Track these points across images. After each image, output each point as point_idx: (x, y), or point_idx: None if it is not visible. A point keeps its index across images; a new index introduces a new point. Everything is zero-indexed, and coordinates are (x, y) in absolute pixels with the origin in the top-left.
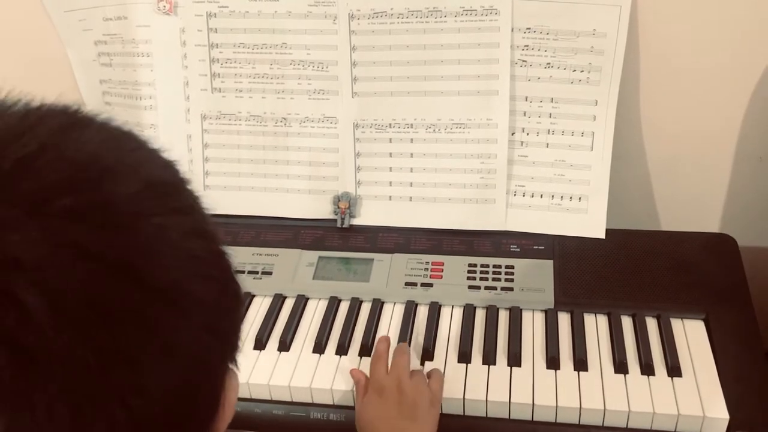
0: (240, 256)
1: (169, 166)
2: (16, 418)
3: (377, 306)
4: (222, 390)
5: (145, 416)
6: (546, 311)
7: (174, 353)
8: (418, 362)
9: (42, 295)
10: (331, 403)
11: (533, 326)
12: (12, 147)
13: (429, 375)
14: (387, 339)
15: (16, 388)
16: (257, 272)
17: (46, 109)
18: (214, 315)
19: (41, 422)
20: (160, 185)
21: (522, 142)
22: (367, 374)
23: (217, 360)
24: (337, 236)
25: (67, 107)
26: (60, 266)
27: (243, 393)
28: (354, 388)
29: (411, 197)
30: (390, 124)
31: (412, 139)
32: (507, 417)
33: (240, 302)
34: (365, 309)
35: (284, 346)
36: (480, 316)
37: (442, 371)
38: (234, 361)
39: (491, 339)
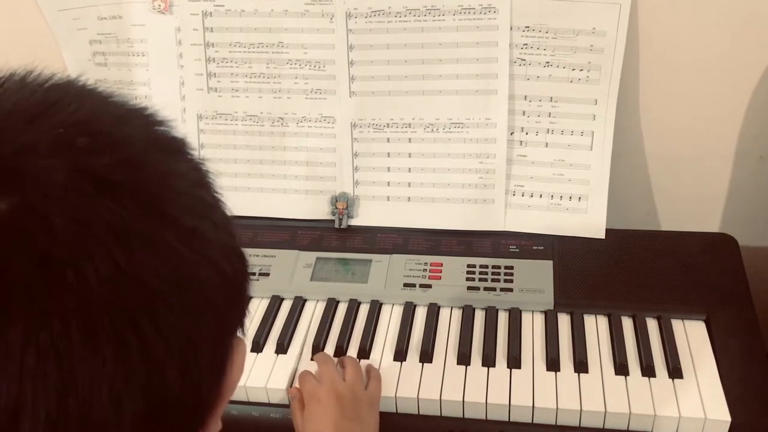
0: None
1: (177, 135)
2: (32, 325)
3: (375, 307)
4: (230, 349)
5: (156, 350)
6: (546, 312)
7: (186, 286)
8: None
9: (68, 216)
10: None
11: (533, 327)
12: (39, 97)
13: (367, 375)
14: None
15: (35, 296)
16: (254, 273)
17: (67, 80)
18: (225, 262)
19: (54, 334)
20: (169, 143)
21: (521, 142)
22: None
23: (225, 310)
24: (334, 237)
25: (84, 83)
26: (82, 193)
27: (240, 396)
28: (296, 405)
29: (409, 197)
30: (388, 124)
31: (410, 139)
32: (507, 420)
33: (246, 266)
34: (363, 310)
35: (282, 348)
36: (479, 317)
37: (441, 372)
38: (242, 326)
39: (491, 340)
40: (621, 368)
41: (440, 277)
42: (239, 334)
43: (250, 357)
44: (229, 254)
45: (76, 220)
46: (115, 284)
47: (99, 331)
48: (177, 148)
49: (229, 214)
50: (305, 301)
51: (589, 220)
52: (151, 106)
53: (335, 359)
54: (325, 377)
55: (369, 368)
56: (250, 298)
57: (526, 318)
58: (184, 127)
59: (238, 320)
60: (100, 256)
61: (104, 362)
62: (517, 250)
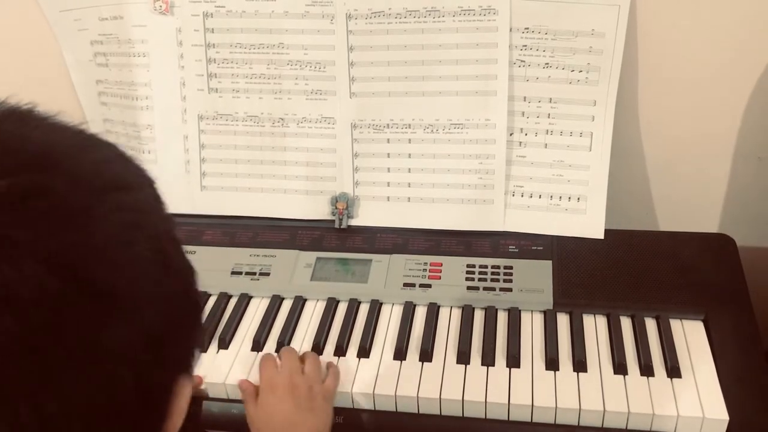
0: (237, 257)
1: (117, 167)
2: None
3: (375, 307)
4: (169, 397)
5: (56, 419)
6: (545, 312)
7: (92, 354)
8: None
9: None
10: None
11: (532, 327)
12: None
13: (327, 368)
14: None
15: None
16: (255, 273)
17: None
18: (152, 320)
19: None
20: (99, 180)
21: (520, 143)
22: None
23: (153, 367)
24: (335, 237)
25: (17, 105)
26: None
27: (239, 395)
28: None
29: (409, 198)
30: (388, 125)
31: (410, 140)
32: (506, 419)
33: (193, 313)
34: (363, 310)
35: (282, 347)
36: (479, 316)
37: (441, 372)
38: (186, 369)
39: (490, 340)
40: (620, 368)
41: (440, 277)
42: (184, 375)
43: (250, 356)
44: (161, 306)
45: None
46: (5, 355)
47: None
48: (110, 184)
49: (175, 255)
50: (305, 300)
51: (588, 221)
52: (94, 132)
53: (296, 351)
54: (285, 367)
55: (329, 365)
56: (199, 338)
57: (525, 317)
58: (184, 127)
59: (177, 369)
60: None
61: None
62: (517, 250)
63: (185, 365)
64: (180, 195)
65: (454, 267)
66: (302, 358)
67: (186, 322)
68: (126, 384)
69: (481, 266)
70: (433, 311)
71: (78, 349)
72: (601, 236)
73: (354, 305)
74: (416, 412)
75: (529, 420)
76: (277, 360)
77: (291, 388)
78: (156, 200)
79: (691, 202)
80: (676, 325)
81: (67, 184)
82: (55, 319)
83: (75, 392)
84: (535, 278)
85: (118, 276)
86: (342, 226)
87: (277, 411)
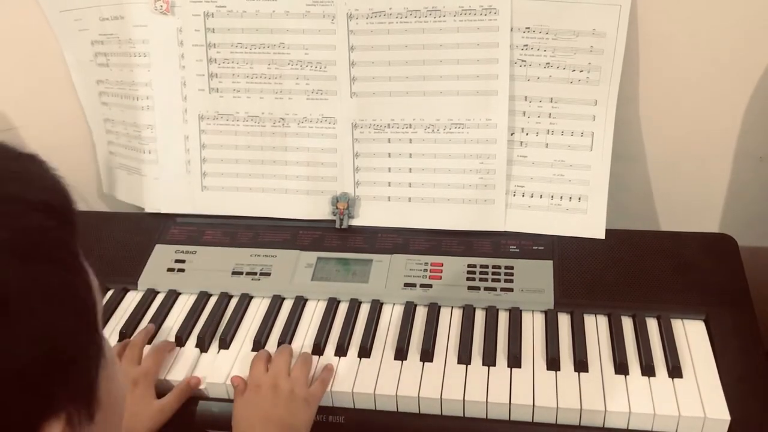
0: (238, 257)
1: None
2: None
3: (376, 307)
4: (93, 384)
5: None
6: (546, 312)
7: None
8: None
9: None
10: (330, 404)
11: (533, 327)
12: None
13: (320, 373)
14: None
15: None
16: (255, 273)
17: None
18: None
19: None
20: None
21: (521, 142)
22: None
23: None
24: (335, 237)
25: None
26: None
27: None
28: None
29: (410, 198)
30: (389, 125)
31: (411, 140)
32: (507, 419)
33: (84, 308)
34: (364, 310)
35: (280, 345)
36: (479, 317)
37: (442, 372)
38: (96, 365)
39: (491, 340)
40: (621, 367)
41: (441, 277)
42: (100, 365)
43: (251, 357)
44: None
45: None
46: None
47: None
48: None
49: (52, 281)
50: (306, 300)
51: (589, 221)
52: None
53: (291, 352)
54: (272, 368)
55: (323, 370)
56: (86, 377)
57: (526, 317)
58: (185, 127)
59: (54, 406)
60: None
61: None
62: (518, 250)
63: (60, 404)
64: (181, 195)
65: (455, 267)
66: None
67: (65, 357)
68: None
69: (482, 266)
70: (434, 311)
71: None
72: (602, 236)
73: (355, 305)
74: (417, 412)
75: (530, 420)
76: (265, 362)
77: (273, 388)
78: (47, 221)
79: (692, 202)
80: (677, 324)
81: None
82: None
83: None
84: (536, 278)
85: None
86: (343, 226)
87: (255, 408)
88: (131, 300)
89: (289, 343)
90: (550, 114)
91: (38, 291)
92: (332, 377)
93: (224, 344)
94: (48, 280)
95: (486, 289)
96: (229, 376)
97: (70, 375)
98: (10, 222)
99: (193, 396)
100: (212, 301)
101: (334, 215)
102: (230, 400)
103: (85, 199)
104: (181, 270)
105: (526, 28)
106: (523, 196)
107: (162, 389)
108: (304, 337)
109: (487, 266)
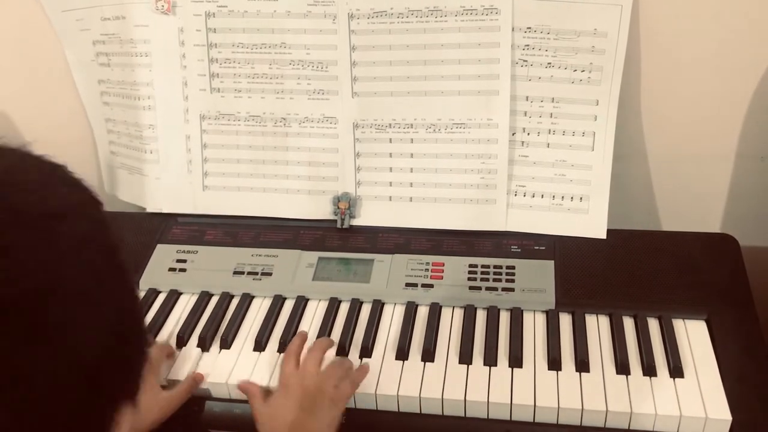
0: (239, 257)
1: (54, 198)
2: None
3: (377, 307)
4: (110, 427)
5: None
6: (547, 312)
7: (22, 384)
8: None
9: None
10: None
11: (534, 327)
12: None
13: (349, 375)
14: (303, 335)
15: None
16: (257, 273)
17: None
18: (92, 352)
19: None
20: (32, 213)
21: (523, 142)
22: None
23: (92, 396)
24: (336, 237)
25: None
26: None
27: (243, 395)
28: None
29: (411, 197)
30: (390, 124)
31: (412, 139)
32: (508, 418)
33: (138, 339)
34: (365, 310)
35: (284, 347)
36: (481, 316)
37: (443, 371)
38: (130, 398)
39: (492, 340)
40: (622, 367)
41: (442, 277)
42: (130, 407)
43: (252, 356)
44: (107, 340)
45: None
46: None
47: None
48: (44, 216)
49: (113, 287)
50: (307, 300)
51: (590, 221)
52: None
53: (326, 347)
54: (302, 367)
55: (356, 370)
56: (139, 373)
57: (527, 317)
58: (187, 127)
59: (122, 399)
60: None
61: None
62: (519, 250)
63: (127, 394)
64: (182, 195)
65: (457, 267)
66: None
67: (126, 351)
68: (59, 413)
69: (483, 266)
70: (435, 311)
71: (4, 378)
72: (604, 236)
73: (356, 305)
74: (418, 412)
75: (532, 420)
76: (296, 359)
77: (300, 389)
78: (96, 227)
79: (693, 202)
80: (678, 325)
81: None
82: None
83: (8, 420)
84: (538, 278)
85: (47, 303)
86: (344, 226)
87: (280, 409)
88: None
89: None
90: (551, 114)
91: (116, 283)
92: (364, 378)
93: (225, 344)
94: (123, 273)
95: (487, 289)
96: (231, 375)
97: (140, 362)
98: (92, 214)
99: (194, 396)
100: (213, 300)
101: (336, 215)
102: (232, 400)
103: None
104: (183, 270)
105: (528, 28)
106: (524, 196)
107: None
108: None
109: (488, 266)
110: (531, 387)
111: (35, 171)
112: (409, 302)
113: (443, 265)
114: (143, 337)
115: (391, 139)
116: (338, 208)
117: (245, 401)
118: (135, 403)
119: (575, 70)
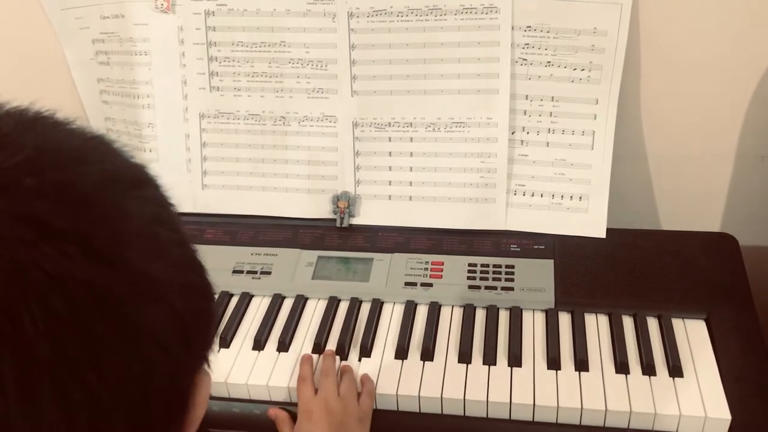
0: (239, 255)
1: (136, 166)
2: None
3: (377, 306)
4: (191, 388)
5: (101, 399)
6: (547, 311)
7: (133, 335)
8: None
9: (4, 264)
10: None
11: (534, 326)
12: None
13: (362, 386)
14: (309, 359)
15: None
16: (256, 272)
17: (22, 109)
18: (180, 302)
19: None
20: (125, 178)
21: (522, 141)
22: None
23: (182, 352)
24: (336, 236)
25: (40, 111)
26: (21, 240)
27: (242, 394)
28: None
29: (411, 196)
30: (389, 123)
31: (411, 138)
32: (508, 418)
33: (209, 301)
34: (365, 309)
35: (283, 346)
36: (480, 316)
37: (443, 371)
38: (206, 360)
39: (491, 339)
40: (622, 367)
41: (441, 276)
42: (205, 367)
43: (251, 355)
44: (186, 293)
45: (13, 269)
46: (55, 335)
47: (38, 385)
48: (134, 181)
49: (190, 248)
50: (307, 299)
51: (589, 220)
52: (110, 136)
53: (335, 366)
54: (321, 391)
55: (365, 382)
56: (216, 329)
57: (527, 317)
58: (186, 126)
59: (199, 358)
60: (38, 306)
61: (44, 416)
62: (518, 249)
63: (206, 355)
64: (181, 193)
65: (456, 266)
66: (340, 373)
67: (205, 310)
68: (161, 367)
69: (482, 265)
70: (435, 310)
71: (121, 330)
72: (603, 235)
73: (355, 304)
74: (417, 411)
75: (531, 419)
76: (311, 383)
77: (326, 413)
78: (168, 197)
79: (693, 201)
80: (678, 324)
81: (98, 180)
82: (99, 299)
83: (119, 373)
84: (537, 277)
85: (150, 261)
86: (343, 225)
87: None
88: None
89: (290, 342)
90: (551, 113)
91: (194, 261)
92: (375, 387)
93: (224, 343)
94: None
95: (487, 288)
96: (230, 374)
97: (215, 327)
98: (164, 201)
99: None
100: None
101: (335, 214)
102: (230, 399)
103: None
104: None
105: (527, 26)
106: (524, 195)
107: None
108: (305, 337)
109: (487, 265)
110: (530, 386)
111: (117, 150)
112: (408, 301)
113: (443, 264)
114: (214, 301)
115: (390, 138)
116: (338, 206)
117: (245, 400)
118: (209, 364)
119: (575, 69)
